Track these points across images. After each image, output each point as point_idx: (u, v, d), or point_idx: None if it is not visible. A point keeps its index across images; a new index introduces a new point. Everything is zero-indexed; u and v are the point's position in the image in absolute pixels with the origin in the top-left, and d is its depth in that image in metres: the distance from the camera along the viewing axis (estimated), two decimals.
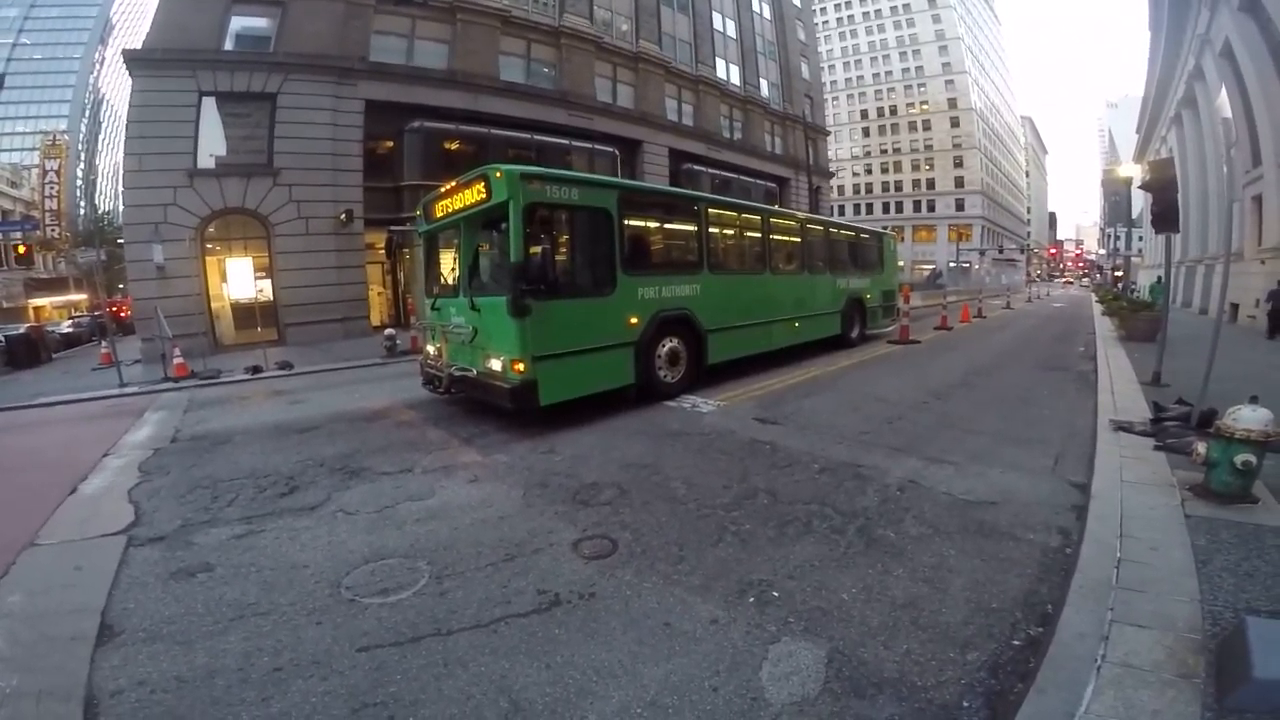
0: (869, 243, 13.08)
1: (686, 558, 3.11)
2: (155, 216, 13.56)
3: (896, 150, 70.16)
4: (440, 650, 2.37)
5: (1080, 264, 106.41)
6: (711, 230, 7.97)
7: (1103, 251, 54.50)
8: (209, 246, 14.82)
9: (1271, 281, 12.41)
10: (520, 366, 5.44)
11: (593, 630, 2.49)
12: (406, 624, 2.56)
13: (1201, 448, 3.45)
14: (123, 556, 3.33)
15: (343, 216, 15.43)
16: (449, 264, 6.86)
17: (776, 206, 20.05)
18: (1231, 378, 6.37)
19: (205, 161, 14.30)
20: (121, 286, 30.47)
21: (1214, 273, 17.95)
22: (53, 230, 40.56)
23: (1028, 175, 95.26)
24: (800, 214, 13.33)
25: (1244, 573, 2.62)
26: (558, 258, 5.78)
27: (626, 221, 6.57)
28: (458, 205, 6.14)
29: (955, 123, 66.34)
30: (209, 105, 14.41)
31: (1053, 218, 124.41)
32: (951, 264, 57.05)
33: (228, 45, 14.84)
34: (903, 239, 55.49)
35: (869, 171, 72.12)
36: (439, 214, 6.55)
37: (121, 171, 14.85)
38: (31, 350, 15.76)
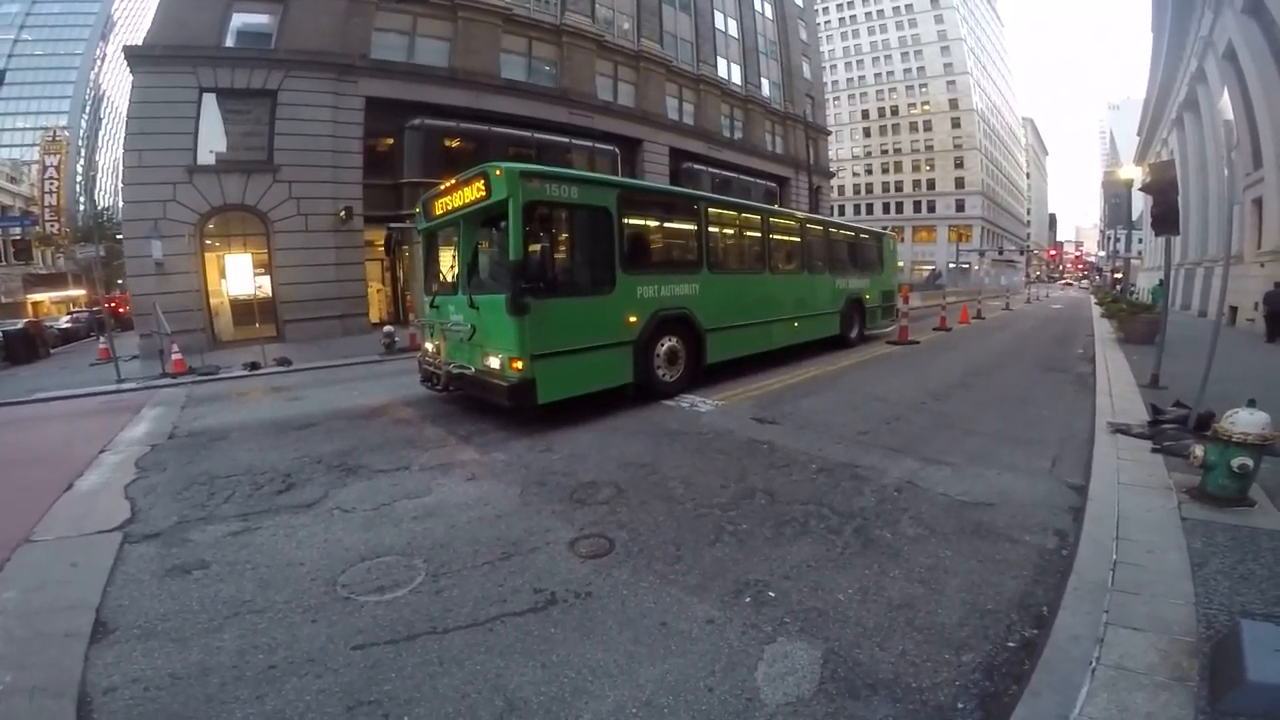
0: (869, 243, 13.08)
1: (683, 557, 3.11)
2: (155, 212, 13.55)
3: (897, 150, 70.15)
4: (435, 648, 2.37)
5: (1080, 266, 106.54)
6: (711, 229, 7.96)
7: (1102, 253, 54.57)
8: (208, 243, 14.79)
9: (1270, 284, 12.41)
10: (518, 364, 5.44)
11: (589, 629, 2.49)
12: (402, 622, 2.56)
13: (1199, 450, 3.45)
14: (118, 553, 3.32)
15: (342, 213, 15.41)
16: (448, 261, 6.85)
17: (776, 206, 20.03)
18: (1230, 380, 6.37)
19: (205, 158, 14.29)
20: (120, 282, 30.45)
21: (1213, 275, 17.95)
22: (52, 226, 40.55)
23: (1028, 176, 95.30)
24: (800, 214, 13.31)
25: (1239, 576, 2.63)
26: (557, 256, 5.76)
27: (626, 220, 6.56)
28: (457, 203, 6.13)
29: (956, 123, 66.34)
30: (209, 102, 14.39)
31: (1053, 219, 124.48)
32: (951, 265, 57.11)
33: (229, 42, 14.80)
34: (902, 239, 55.59)
35: (869, 172, 72.12)
36: (438, 211, 6.54)
37: (121, 167, 14.84)
38: (30, 345, 15.79)
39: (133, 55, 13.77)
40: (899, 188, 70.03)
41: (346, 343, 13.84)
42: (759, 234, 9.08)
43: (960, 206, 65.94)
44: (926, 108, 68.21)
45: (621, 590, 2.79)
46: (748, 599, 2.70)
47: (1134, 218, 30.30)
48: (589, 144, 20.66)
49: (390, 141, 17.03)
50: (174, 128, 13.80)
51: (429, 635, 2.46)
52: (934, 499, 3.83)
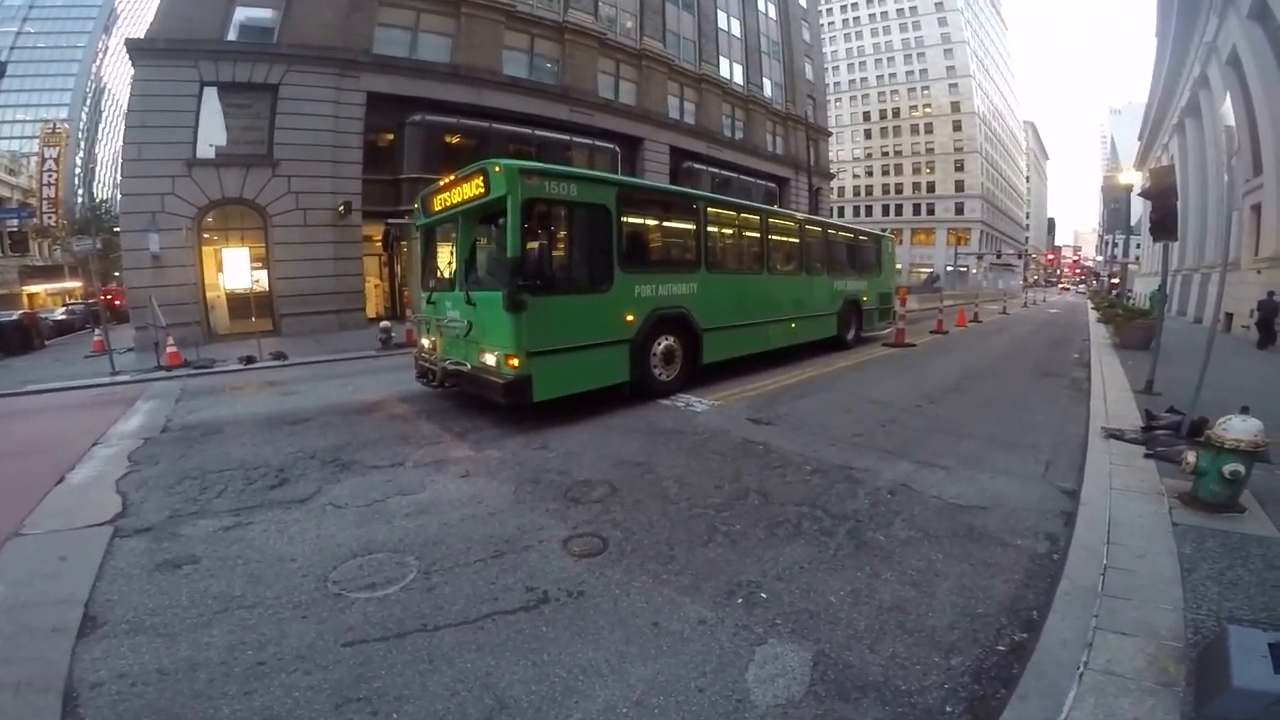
0: (867, 245, 13.08)
1: (676, 557, 3.11)
2: (153, 205, 13.50)
3: (898, 153, 70.19)
4: (426, 646, 2.37)
5: (1077, 270, 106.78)
6: (710, 229, 7.95)
7: (1100, 258, 54.69)
8: (206, 236, 14.74)
9: (1264, 292, 12.45)
10: (514, 362, 5.43)
11: (580, 629, 2.48)
12: (393, 619, 2.55)
13: (1191, 456, 3.46)
14: (108, 547, 3.31)
15: (341, 208, 15.38)
16: (446, 258, 6.84)
17: (776, 207, 20.03)
18: (1224, 387, 6.40)
19: (205, 151, 14.23)
20: (117, 275, 30.36)
21: (1210, 281, 18.02)
22: (49, 218, 40.39)
23: (1028, 180, 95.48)
24: (799, 215, 13.30)
25: (1228, 581, 2.64)
26: (555, 254, 5.76)
27: (625, 219, 6.55)
28: (456, 199, 6.12)
29: (958, 126, 66.41)
30: (210, 95, 14.34)
31: (1051, 223, 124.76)
32: (949, 268, 57.23)
33: (231, 36, 14.74)
34: (901, 242, 55.73)
35: (870, 173, 72.15)
36: (437, 207, 6.53)
37: (120, 160, 14.78)
38: (24, 337, 15.77)
39: (135, 48, 13.71)
40: (899, 190, 70.09)
41: (343, 338, 13.81)
42: (758, 234, 9.08)
43: (959, 209, 66.03)
44: (928, 110, 68.24)
45: (614, 590, 2.79)
46: (740, 600, 2.70)
47: (1133, 223, 30.41)
48: (589, 142, 20.63)
49: (390, 137, 16.98)
50: (174, 121, 13.74)
51: (420, 633, 2.46)
52: (927, 502, 3.84)
